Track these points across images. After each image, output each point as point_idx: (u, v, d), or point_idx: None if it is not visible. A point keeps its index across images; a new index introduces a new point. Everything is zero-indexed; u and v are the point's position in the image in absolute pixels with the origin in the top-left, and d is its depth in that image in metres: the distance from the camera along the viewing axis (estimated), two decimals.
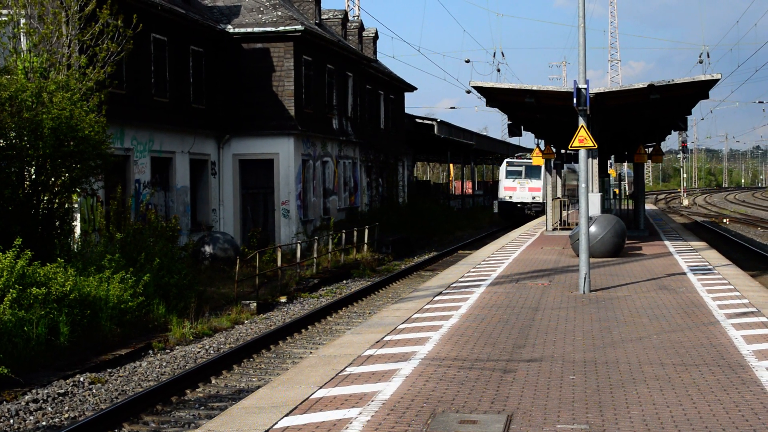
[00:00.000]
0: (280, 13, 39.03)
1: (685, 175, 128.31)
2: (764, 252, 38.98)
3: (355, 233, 38.37)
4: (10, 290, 17.28)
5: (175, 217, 30.11)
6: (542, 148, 41.77)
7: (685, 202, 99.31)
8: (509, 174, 61.91)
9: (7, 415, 14.12)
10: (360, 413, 9.79)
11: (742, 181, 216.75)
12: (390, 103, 57.47)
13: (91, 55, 24.44)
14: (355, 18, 58.36)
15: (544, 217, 47.49)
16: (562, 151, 45.99)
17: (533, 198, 60.92)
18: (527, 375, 11.68)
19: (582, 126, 20.17)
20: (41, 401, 14.96)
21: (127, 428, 13.70)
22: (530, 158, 60.68)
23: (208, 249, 31.95)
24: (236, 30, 38.13)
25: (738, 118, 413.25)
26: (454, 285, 21.02)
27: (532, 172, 60.69)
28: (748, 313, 16.56)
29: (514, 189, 61.09)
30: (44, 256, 20.22)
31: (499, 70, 64.00)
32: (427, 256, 40.82)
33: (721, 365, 12.21)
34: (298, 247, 31.90)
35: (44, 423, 13.93)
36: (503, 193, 61.69)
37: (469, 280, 21.88)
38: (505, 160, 63.92)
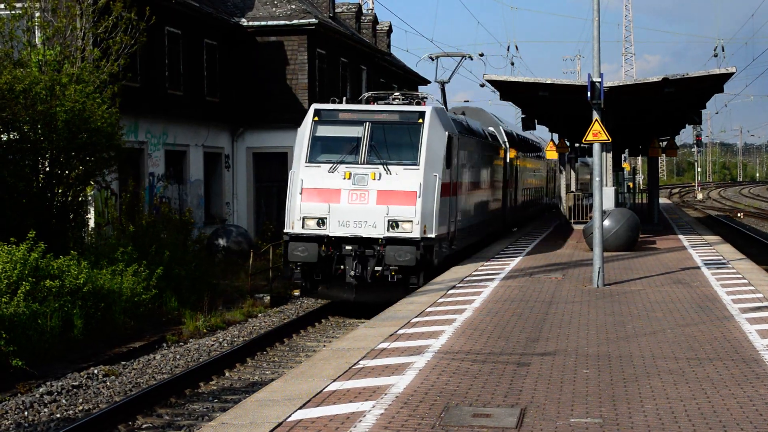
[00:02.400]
0: (293, 7, 39.01)
1: (699, 169, 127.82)
2: None
3: None
4: (24, 283, 17.34)
5: (188, 209, 30.16)
6: (556, 141, 41.70)
7: (700, 196, 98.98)
8: (319, 151, 23.38)
9: (21, 407, 14.18)
10: (373, 406, 9.80)
11: (757, 175, 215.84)
12: None
13: (104, 48, 24.49)
14: (369, 11, 58.30)
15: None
16: (576, 144, 45.85)
17: (393, 223, 22.19)
18: (541, 369, 11.66)
19: (596, 120, 20.12)
20: (56, 393, 15.02)
21: (141, 420, 13.74)
22: (395, 100, 25.20)
23: (221, 242, 31.98)
24: (250, 23, 38.12)
25: (753, 111, 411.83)
26: (468, 279, 21.01)
27: (393, 137, 23.42)
28: (763, 307, 16.50)
29: (334, 196, 22.55)
30: (58, 249, 20.28)
31: (513, 64, 62.66)
32: None
33: (735, 359, 12.17)
34: None
35: (58, 415, 13.99)
36: (298, 213, 22.50)
37: (482, 274, 21.86)
38: (312, 108, 24.12)
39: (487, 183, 31.20)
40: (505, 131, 37.33)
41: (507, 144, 36.61)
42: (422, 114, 23.26)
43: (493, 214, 32.78)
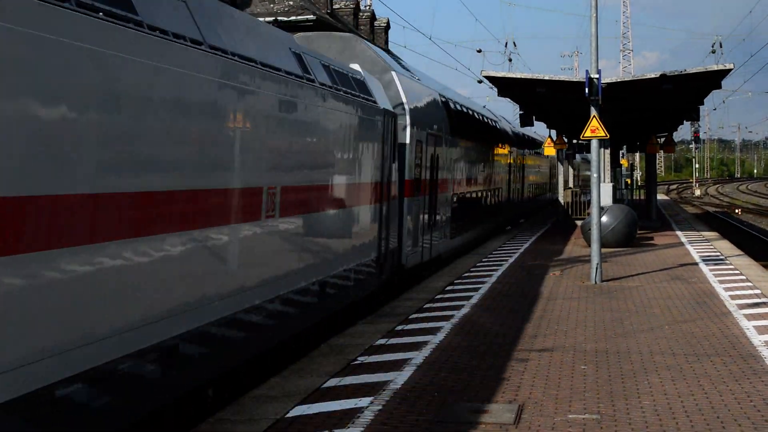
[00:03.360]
0: (292, 3, 39.01)
1: (697, 166, 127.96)
2: None
3: None
4: None
5: None
6: (554, 138, 41.71)
7: (697, 193, 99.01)
8: None
9: None
10: (371, 402, 9.80)
11: (755, 171, 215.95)
12: None
13: None
14: (367, 8, 58.28)
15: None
16: (574, 141, 45.88)
17: None
18: (539, 365, 11.67)
19: (594, 116, 20.15)
20: None
21: None
22: None
23: None
24: None
25: (751, 108, 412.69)
26: (466, 275, 21.02)
27: None
28: (761, 303, 16.54)
29: None
30: None
31: (510, 60, 62.36)
32: None
33: (732, 356, 12.19)
34: None
35: None
36: None
37: (480, 270, 21.88)
38: None
39: (301, 199, 13.00)
40: (403, 90, 20.51)
41: (408, 110, 20.16)
42: None
43: (323, 273, 14.22)
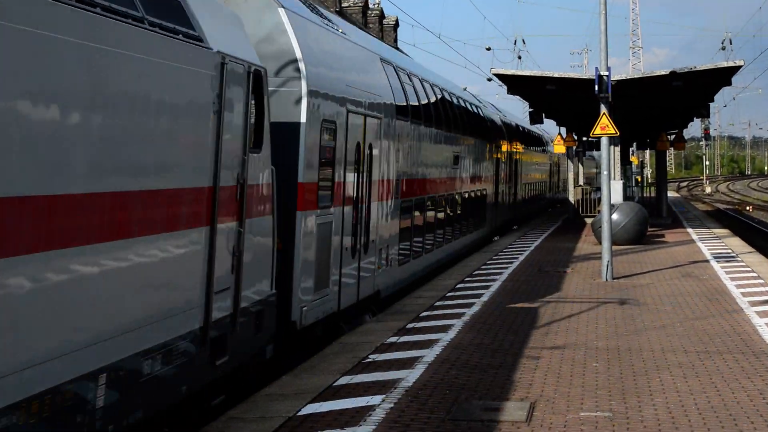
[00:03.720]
0: None
1: (707, 163, 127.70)
2: None
3: None
4: None
5: None
6: (564, 135, 41.67)
7: (708, 190, 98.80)
8: None
9: None
10: (383, 400, 9.79)
11: (766, 168, 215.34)
12: None
13: None
14: (376, 6, 58.27)
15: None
16: (584, 138, 45.72)
17: None
18: (550, 362, 11.65)
19: (604, 113, 20.13)
20: None
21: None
22: None
23: None
24: None
25: (761, 105, 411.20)
26: (476, 273, 21.00)
27: None
28: None
29: None
30: None
31: (520, 58, 62.13)
32: None
33: (745, 353, 12.16)
34: None
35: None
36: None
37: (491, 268, 21.86)
38: None
39: None
40: (299, 40, 13.29)
41: (306, 72, 13.05)
42: None
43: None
